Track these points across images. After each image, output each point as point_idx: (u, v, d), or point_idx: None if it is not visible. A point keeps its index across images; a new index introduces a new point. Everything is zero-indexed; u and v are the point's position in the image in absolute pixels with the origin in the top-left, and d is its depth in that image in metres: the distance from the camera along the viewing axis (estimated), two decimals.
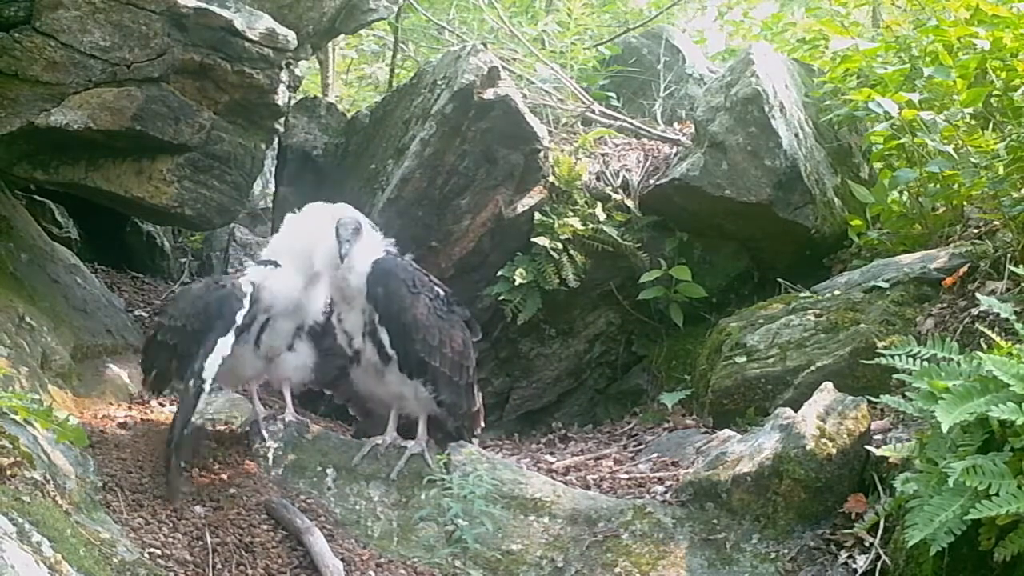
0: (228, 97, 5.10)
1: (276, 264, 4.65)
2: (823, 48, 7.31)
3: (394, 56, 9.01)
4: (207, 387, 4.30)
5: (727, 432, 5.02)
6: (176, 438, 4.23)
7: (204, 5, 4.91)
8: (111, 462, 4.29)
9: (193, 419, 4.36)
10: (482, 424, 4.97)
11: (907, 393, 3.94)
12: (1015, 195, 5.14)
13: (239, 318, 4.34)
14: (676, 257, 6.28)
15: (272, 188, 7.77)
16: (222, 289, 4.44)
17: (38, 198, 6.69)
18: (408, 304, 4.57)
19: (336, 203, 4.76)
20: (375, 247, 4.65)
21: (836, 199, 6.32)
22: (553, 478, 4.88)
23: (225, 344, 4.30)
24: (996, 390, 3.37)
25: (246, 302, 4.40)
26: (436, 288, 4.76)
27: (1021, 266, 4.43)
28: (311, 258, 4.59)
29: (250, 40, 5.02)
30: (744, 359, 5.36)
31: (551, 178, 6.29)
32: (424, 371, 4.62)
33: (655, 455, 5.26)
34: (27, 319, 4.81)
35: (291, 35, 5.19)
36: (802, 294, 5.65)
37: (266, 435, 4.65)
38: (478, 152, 6.13)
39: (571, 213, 6.23)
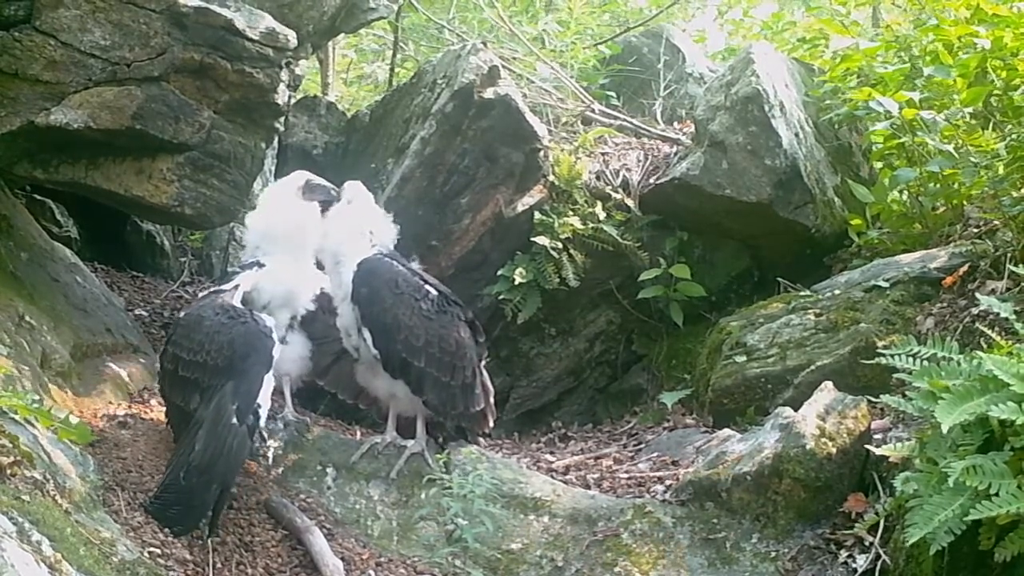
0: (228, 96, 5.10)
1: (260, 264, 4.73)
2: (823, 47, 7.32)
3: (394, 55, 9.01)
4: (262, 423, 4.27)
5: (727, 431, 5.02)
6: (224, 473, 4.07)
7: (204, 4, 4.91)
8: (111, 461, 4.28)
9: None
10: (490, 424, 4.91)
11: (907, 392, 3.95)
12: (1015, 194, 5.14)
13: (275, 353, 4.31)
14: (676, 256, 6.29)
15: None
16: (243, 324, 4.33)
17: (38, 197, 6.68)
18: (389, 305, 4.58)
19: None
20: (366, 245, 4.71)
21: (836, 198, 6.32)
22: (553, 477, 4.88)
23: (269, 379, 4.27)
24: (996, 389, 3.37)
25: (275, 337, 4.37)
26: (427, 288, 4.75)
27: (1021, 265, 4.43)
28: (293, 238, 4.75)
29: (250, 39, 5.02)
30: (744, 358, 5.36)
31: (551, 177, 6.29)
32: (407, 371, 4.62)
33: (655, 454, 5.26)
34: (27, 318, 4.81)
35: (291, 34, 5.19)
36: (802, 293, 5.65)
37: (266, 434, 4.65)
38: (478, 151, 6.13)
39: (571, 212, 6.23)
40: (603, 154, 6.67)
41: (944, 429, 3.32)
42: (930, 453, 3.56)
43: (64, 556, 3.15)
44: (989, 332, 4.03)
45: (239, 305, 4.48)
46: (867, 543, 4.05)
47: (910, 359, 3.88)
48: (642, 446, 5.56)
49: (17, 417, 3.75)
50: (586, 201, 6.29)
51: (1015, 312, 3.93)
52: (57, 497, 3.56)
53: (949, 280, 5.16)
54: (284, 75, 5.23)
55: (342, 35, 7.88)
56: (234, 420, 4.11)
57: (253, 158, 5.36)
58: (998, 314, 4.09)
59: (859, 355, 4.94)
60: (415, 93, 6.61)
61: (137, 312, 6.56)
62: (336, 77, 10.23)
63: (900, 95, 5.65)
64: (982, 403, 3.33)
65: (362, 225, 4.78)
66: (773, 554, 4.16)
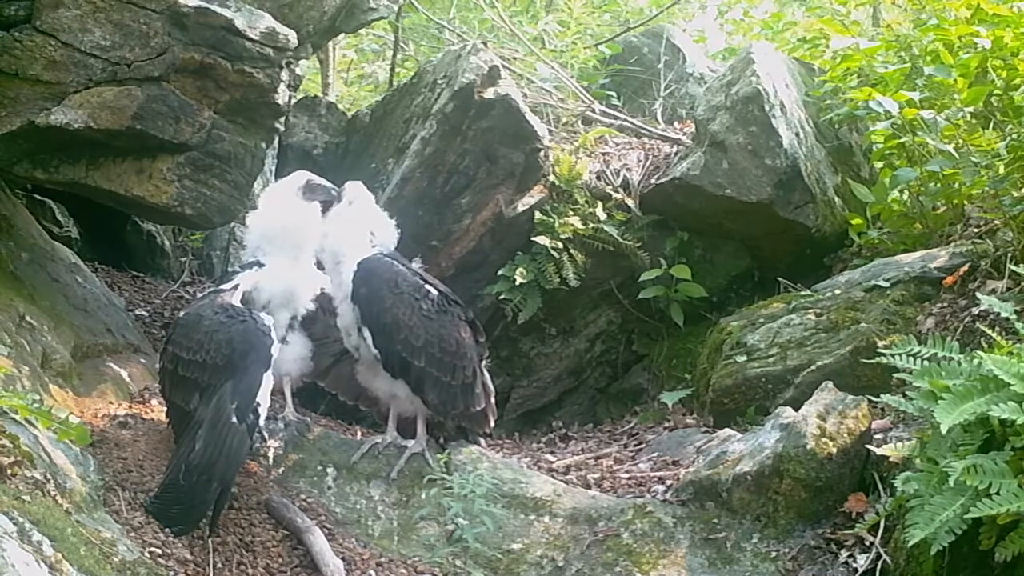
0: (228, 96, 5.10)
1: (260, 264, 4.74)
2: (823, 47, 7.31)
3: (394, 55, 9.01)
4: (261, 421, 4.28)
5: (728, 431, 5.02)
6: (224, 472, 4.06)
7: (204, 4, 4.91)
8: (112, 461, 4.28)
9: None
10: (490, 424, 4.90)
11: (908, 392, 3.95)
12: (1016, 194, 5.14)
13: (274, 352, 4.31)
14: (676, 256, 6.28)
15: None
16: (241, 323, 4.33)
17: (38, 197, 6.69)
18: (389, 305, 4.59)
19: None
20: (366, 245, 4.72)
21: (837, 198, 6.32)
22: (553, 477, 4.88)
23: (268, 377, 4.27)
24: (996, 389, 3.37)
25: (274, 335, 4.37)
26: (427, 288, 4.75)
27: (1021, 265, 4.43)
28: (293, 238, 4.76)
29: (251, 39, 5.02)
30: (745, 358, 5.36)
31: (551, 177, 6.29)
32: (407, 371, 4.63)
33: (655, 454, 5.26)
34: (27, 318, 4.81)
35: (291, 34, 5.19)
36: (803, 293, 5.65)
37: (266, 434, 4.65)
38: (479, 151, 6.13)
39: (571, 212, 6.23)
40: (603, 154, 6.67)
41: (944, 429, 3.32)
42: (930, 453, 3.56)
43: (64, 556, 3.15)
44: (990, 332, 4.03)
45: (238, 304, 4.49)
46: (868, 543, 4.05)
47: (910, 359, 3.89)
48: (643, 446, 5.56)
49: (17, 417, 3.75)
50: (586, 201, 6.29)
51: (1015, 312, 3.93)
52: (58, 497, 3.56)
53: (950, 280, 5.16)
54: (284, 75, 5.23)
55: (342, 35, 7.88)
56: (234, 419, 4.11)
57: (253, 158, 5.36)
58: (999, 314, 4.09)
59: (860, 355, 4.93)
60: (415, 93, 6.62)
61: (137, 312, 6.57)
62: (336, 77, 10.23)
63: (900, 95, 5.65)
64: (982, 403, 3.33)
65: (363, 225, 4.79)
66: (774, 554, 4.16)
